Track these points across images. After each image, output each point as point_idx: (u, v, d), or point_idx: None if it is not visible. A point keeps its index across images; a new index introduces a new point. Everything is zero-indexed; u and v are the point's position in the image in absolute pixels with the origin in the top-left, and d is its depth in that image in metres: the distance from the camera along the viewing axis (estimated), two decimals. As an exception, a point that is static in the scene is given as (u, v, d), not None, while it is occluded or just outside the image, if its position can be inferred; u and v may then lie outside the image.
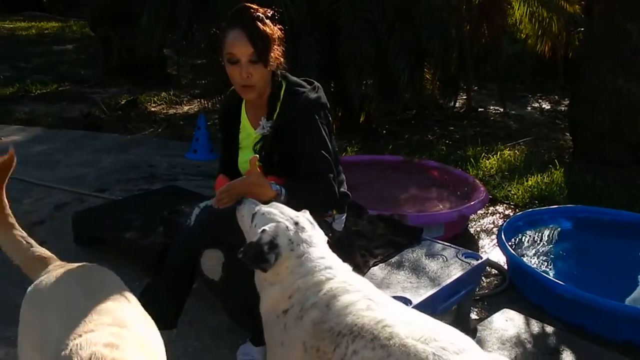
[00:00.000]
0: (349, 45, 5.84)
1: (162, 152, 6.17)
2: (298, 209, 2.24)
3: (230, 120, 2.81)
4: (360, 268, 2.82)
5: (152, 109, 8.26)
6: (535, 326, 3.09)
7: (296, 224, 2.11)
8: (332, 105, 6.76)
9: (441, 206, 4.48)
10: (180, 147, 6.33)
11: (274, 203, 2.26)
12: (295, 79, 2.69)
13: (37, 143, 6.35)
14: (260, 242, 2.05)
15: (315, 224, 2.20)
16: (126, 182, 5.22)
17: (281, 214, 2.15)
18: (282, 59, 2.59)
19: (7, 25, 16.04)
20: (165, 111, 8.22)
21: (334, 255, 2.16)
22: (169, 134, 7.01)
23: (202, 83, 7.60)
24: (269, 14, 2.55)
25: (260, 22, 2.48)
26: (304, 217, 2.18)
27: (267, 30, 2.48)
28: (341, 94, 6.48)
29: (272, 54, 2.51)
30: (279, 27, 2.61)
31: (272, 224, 2.10)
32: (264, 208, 2.19)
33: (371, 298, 1.93)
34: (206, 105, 7.08)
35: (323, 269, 2.05)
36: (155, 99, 8.67)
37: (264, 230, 2.07)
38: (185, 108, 8.44)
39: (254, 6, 2.53)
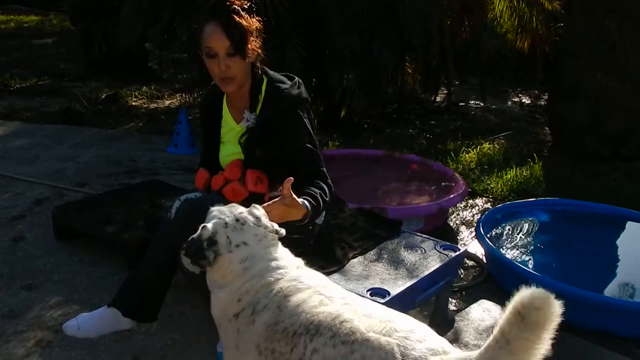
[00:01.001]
0: (333, 38, 5.85)
1: (143, 147, 6.15)
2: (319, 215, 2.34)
3: (211, 115, 2.83)
4: (340, 261, 2.85)
5: (133, 104, 8.22)
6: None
7: (238, 220, 2.08)
8: (313, 99, 6.83)
9: (421, 199, 4.52)
10: (161, 141, 6.32)
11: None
12: (275, 74, 2.71)
13: (16, 137, 6.30)
14: (200, 239, 2.04)
15: (264, 219, 2.13)
16: (107, 176, 5.20)
17: (228, 211, 2.12)
18: (260, 51, 2.61)
19: (-15, 19, 15.85)
20: (146, 105, 8.19)
21: (283, 252, 2.12)
22: (150, 128, 6.99)
23: (184, 77, 7.59)
24: (246, 6, 2.57)
25: (236, 15, 2.51)
26: (252, 215, 2.12)
27: (244, 22, 2.51)
28: (323, 88, 6.49)
29: (249, 46, 2.53)
30: (257, 18, 2.62)
31: (214, 221, 2.08)
32: (218, 207, 2.16)
33: (322, 293, 1.91)
34: (187, 99, 7.07)
35: (270, 270, 2.02)
36: (136, 93, 8.63)
37: (204, 226, 2.06)
38: (167, 102, 8.41)
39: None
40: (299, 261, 2.13)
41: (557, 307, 1.53)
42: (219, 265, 2.06)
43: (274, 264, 2.05)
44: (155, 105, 8.24)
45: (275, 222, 2.18)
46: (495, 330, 1.56)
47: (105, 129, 6.82)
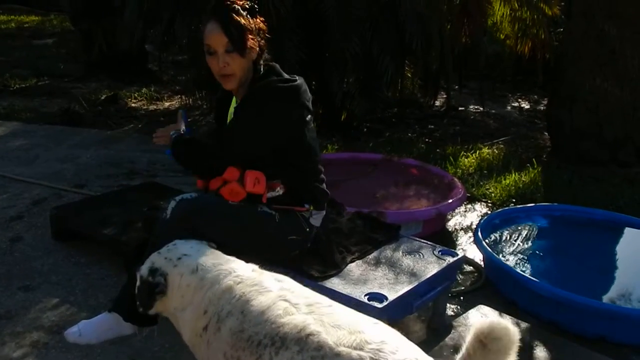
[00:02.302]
0: (333, 41, 5.85)
1: (142, 148, 6.14)
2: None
3: (222, 109, 2.91)
4: (338, 265, 2.84)
5: (133, 105, 8.22)
6: (510, 322, 3.13)
7: (167, 246, 2.19)
8: (313, 102, 6.79)
9: (420, 204, 4.51)
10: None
11: None
12: (280, 70, 2.73)
13: (15, 138, 6.30)
14: (142, 279, 2.13)
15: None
16: (105, 177, 5.20)
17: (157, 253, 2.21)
18: (258, 49, 2.64)
19: (-15, 19, 15.85)
20: (145, 107, 8.18)
21: (229, 257, 2.16)
22: (150, 130, 6.91)
23: (184, 79, 7.59)
24: (247, 6, 2.61)
25: (235, 13, 2.55)
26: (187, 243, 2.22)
27: (242, 20, 2.55)
28: (323, 92, 6.49)
29: (248, 43, 2.57)
30: (261, 19, 2.66)
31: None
32: None
33: (287, 299, 1.88)
34: (187, 101, 7.06)
35: (227, 274, 2.03)
36: (136, 94, 8.62)
37: (139, 269, 2.17)
38: (166, 104, 8.40)
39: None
40: (251, 265, 2.14)
41: (515, 337, 1.59)
42: (171, 285, 2.09)
43: (226, 267, 2.07)
44: (155, 107, 8.23)
45: None
46: (463, 350, 1.62)
47: (104, 130, 6.82)
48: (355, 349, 1.63)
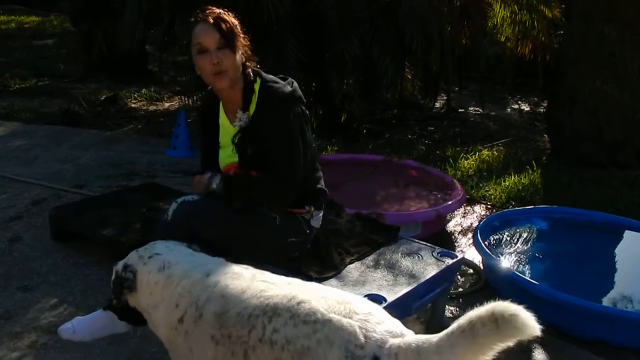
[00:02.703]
0: (333, 43, 5.85)
1: (142, 149, 6.14)
2: (239, 201, 2.54)
3: (209, 121, 2.85)
4: (337, 266, 2.84)
5: (133, 106, 8.22)
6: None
7: (144, 246, 2.26)
8: (313, 103, 6.84)
9: (419, 205, 4.51)
10: (160, 144, 6.31)
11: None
12: (269, 75, 2.73)
13: (15, 138, 6.30)
14: (116, 273, 2.24)
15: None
16: (105, 178, 5.19)
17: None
18: (250, 52, 2.65)
19: (-15, 19, 15.85)
20: (145, 108, 8.18)
21: (198, 253, 2.25)
22: (149, 130, 6.97)
23: (183, 80, 7.60)
24: (231, 14, 2.65)
25: (224, 13, 2.60)
26: (163, 243, 2.28)
27: (231, 18, 2.59)
28: (323, 93, 6.49)
29: (239, 41, 2.59)
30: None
31: None
32: None
33: (262, 279, 1.98)
34: (187, 102, 7.05)
35: (194, 268, 2.11)
36: (135, 95, 8.62)
37: (116, 264, 2.27)
38: (166, 105, 8.40)
39: (208, 7, 2.64)
40: (220, 259, 2.21)
41: (534, 331, 1.57)
42: (140, 283, 2.17)
43: (193, 262, 2.15)
44: (155, 108, 8.23)
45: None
46: (463, 320, 1.61)
47: (104, 131, 6.82)
48: (345, 316, 1.72)
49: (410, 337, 1.71)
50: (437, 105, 8.63)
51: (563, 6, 7.77)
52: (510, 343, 1.59)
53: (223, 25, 2.54)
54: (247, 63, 2.66)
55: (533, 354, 2.91)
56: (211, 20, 2.54)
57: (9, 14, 16.72)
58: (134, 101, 8.42)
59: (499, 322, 1.56)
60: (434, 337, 1.66)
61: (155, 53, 9.22)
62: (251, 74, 2.68)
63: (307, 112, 2.75)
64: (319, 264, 2.81)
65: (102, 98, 8.23)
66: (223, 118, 2.78)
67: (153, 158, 5.84)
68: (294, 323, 1.76)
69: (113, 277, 2.26)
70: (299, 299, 1.81)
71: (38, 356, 2.79)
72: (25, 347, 2.86)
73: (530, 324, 1.55)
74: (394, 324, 1.74)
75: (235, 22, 2.61)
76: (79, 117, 7.27)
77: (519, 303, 3.33)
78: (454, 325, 1.63)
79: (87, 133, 6.67)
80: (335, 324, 1.71)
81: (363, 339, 1.67)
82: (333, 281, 2.74)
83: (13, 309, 3.17)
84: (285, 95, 2.63)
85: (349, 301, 1.79)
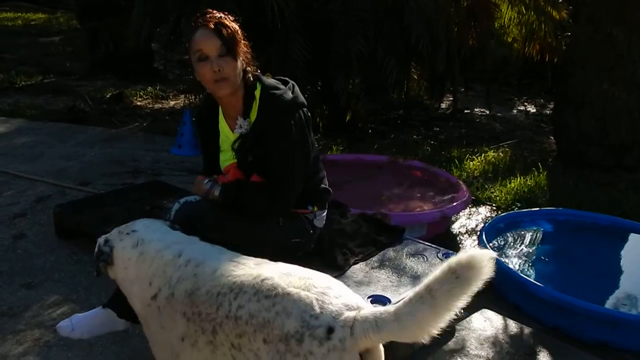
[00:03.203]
0: (339, 42, 5.84)
1: (147, 147, 6.15)
2: (235, 211, 2.54)
3: (208, 125, 2.81)
4: (341, 266, 2.83)
5: (138, 103, 8.23)
6: (513, 327, 3.12)
7: (128, 223, 2.35)
8: (318, 103, 6.82)
9: (424, 206, 4.50)
10: (165, 142, 6.31)
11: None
12: (269, 80, 2.68)
13: (20, 135, 6.31)
14: (98, 246, 2.37)
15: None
16: (109, 176, 5.19)
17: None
18: (249, 55, 2.60)
19: (-7, 16, 15.91)
20: (151, 106, 8.19)
21: (175, 232, 2.31)
22: (154, 128, 6.97)
23: (189, 78, 7.59)
24: (231, 19, 2.58)
25: (225, 19, 2.53)
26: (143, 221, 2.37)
27: (232, 24, 2.53)
28: (328, 92, 6.48)
29: (241, 47, 2.53)
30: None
31: None
32: None
33: (234, 260, 2.06)
34: (192, 100, 7.06)
35: (166, 248, 2.18)
36: (141, 93, 8.63)
37: (100, 237, 2.40)
38: (172, 103, 8.41)
39: (210, 10, 2.58)
40: (193, 237, 2.29)
41: (491, 267, 1.62)
42: (116, 258, 2.30)
43: (166, 241, 2.22)
44: (160, 106, 8.24)
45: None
46: (420, 287, 1.67)
47: (109, 129, 6.82)
48: (303, 290, 1.82)
49: (367, 310, 1.77)
50: (443, 105, 8.61)
51: (570, 8, 7.75)
52: (468, 298, 1.63)
53: (224, 32, 2.47)
54: (248, 68, 2.60)
55: (536, 356, 2.89)
56: (212, 26, 2.47)
57: (15, 10, 16.80)
58: (140, 99, 8.43)
59: (458, 273, 1.61)
60: (391, 307, 1.71)
61: (161, 51, 9.23)
62: (251, 79, 2.64)
63: (309, 114, 2.72)
64: (322, 265, 2.79)
65: (108, 96, 8.25)
66: (222, 124, 2.74)
67: (158, 156, 5.84)
68: (257, 298, 1.86)
69: (95, 249, 2.38)
70: (263, 276, 1.91)
71: (41, 354, 2.79)
72: (29, 344, 2.85)
73: (488, 262, 1.61)
74: (353, 298, 1.82)
75: (236, 27, 2.54)
76: (85, 114, 7.29)
77: (523, 305, 3.34)
78: (411, 294, 1.69)
79: (92, 130, 6.68)
80: (293, 297, 1.80)
81: (319, 309, 1.75)
82: (337, 281, 2.72)
83: (17, 306, 3.16)
84: (287, 103, 2.57)
85: (310, 277, 1.89)
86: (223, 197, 2.61)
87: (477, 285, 1.63)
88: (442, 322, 1.66)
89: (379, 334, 1.71)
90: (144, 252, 2.21)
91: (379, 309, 1.73)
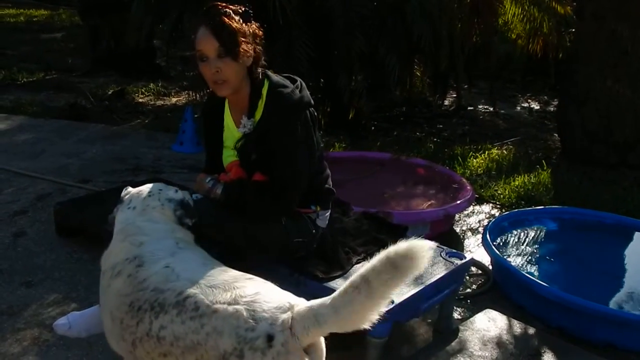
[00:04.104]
0: (340, 39, 5.80)
1: (148, 144, 6.12)
2: (238, 211, 2.50)
3: (213, 119, 2.78)
4: (343, 266, 2.80)
5: (140, 100, 8.19)
6: (518, 327, 3.08)
7: (151, 191, 2.30)
8: (321, 100, 6.79)
9: (427, 204, 4.46)
10: (166, 139, 6.28)
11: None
12: (277, 77, 2.64)
13: (21, 132, 6.28)
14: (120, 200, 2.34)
15: (176, 195, 2.32)
16: (110, 173, 5.17)
17: (156, 186, 2.36)
18: (252, 54, 2.52)
19: (-5, 12, 15.89)
20: (152, 102, 8.16)
21: (164, 225, 2.21)
22: (156, 125, 6.94)
23: (191, 75, 7.54)
24: (241, 11, 2.50)
25: (227, 17, 2.44)
26: (169, 191, 2.32)
27: (234, 24, 2.43)
28: (331, 89, 6.45)
29: (242, 48, 2.45)
30: (256, 24, 2.57)
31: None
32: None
33: (172, 267, 1.97)
34: (194, 97, 7.03)
35: (133, 235, 2.14)
36: (143, 90, 8.60)
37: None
38: (174, 100, 8.38)
39: (222, 4, 2.50)
40: (184, 234, 2.23)
41: (429, 257, 1.65)
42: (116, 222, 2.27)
43: (140, 229, 2.16)
44: (162, 103, 8.21)
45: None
46: (356, 277, 1.67)
47: (110, 126, 6.79)
48: (230, 304, 1.76)
49: (301, 306, 1.74)
50: (447, 102, 8.57)
51: (574, 3, 7.69)
52: (402, 283, 1.67)
53: (223, 33, 2.41)
54: (256, 65, 2.55)
55: (541, 357, 2.85)
56: (212, 27, 2.42)
57: (18, 7, 16.78)
58: (141, 96, 8.40)
59: (397, 263, 1.61)
60: (327, 299, 1.70)
61: (163, 48, 9.19)
62: (259, 76, 2.59)
63: (315, 113, 2.68)
64: (325, 264, 2.77)
65: (110, 92, 8.21)
66: (228, 118, 2.71)
67: (159, 153, 5.81)
68: (181, 320, 1.79)
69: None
70: (186, 293, 1.83)
71: (40, 353, 2.76)
72: (28, 343, 2.83)
73: (426, 252, 1.62)
74: (284, 298, 1.78)
75: (239, 26, 2.45)
76: (86, 111, 7.26)
77: (528, 305, 3.31)
78: (347, 284, 1.68)
79: (94, 127, 6.65)
80: (221, 314, 1.75)
81: (252, 321, 1.71)
82: (339, 281, 2.69)
83: (16, 304, 3.14)
84: (294, 102, 2.53)
85: (236, 286, 1.82)
86: (226, 196, 2.58)
87: (414, 274, 1.65)
88: (379, 310, 1.68)
89: (320, 328, 1.70)
90: (123, 230, 2.19)
91: (315, 302, 1.72)
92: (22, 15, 15.64)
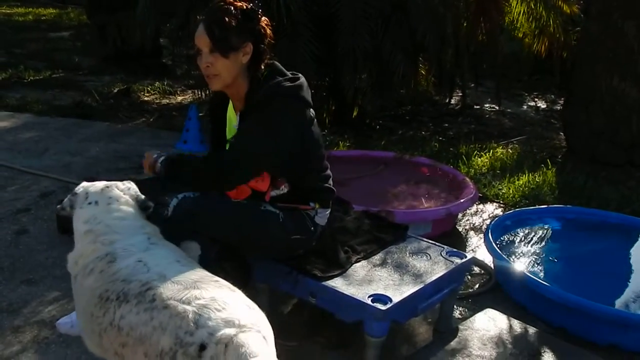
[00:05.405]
0: (345, 37, 5.79)
1: (153, 142, 6.12)
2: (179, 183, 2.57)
3: (217, 114, 2.82)
4: (343, 265, 2.79)
5: (145, 99, 8.20)
6: (518, 327, 3.06)
7: (107, 186, 2.29)
8: (325, 98, 6.77)
9: (430, 203, 4.44)
10: (171, 137, 6.28)
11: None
12: (281, 68, 2.65)
13: (26, 130, 6.30)
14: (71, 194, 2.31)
15: (131, 191, 2.34)
16: (114, 171, 5.17)
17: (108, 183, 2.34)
18: (249, 52, 2.52)
19: (3, 11, 15.97)
20: (158, 101, 8.17)
21: (133, 222, 2.21)
22: (161, 124, 6.95)
23: (197, 74, 7.54)
24: (245, 8, 2.51)
25: (224, 13, 2.46)
26: (125, 185, 2.35)
27: (228, 21, 2.45)
28: (335, 88, 6.43)
29: (232, 45, 2.47)
30: (265, 22, 2.58)
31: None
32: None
33: (144, 261, 1.98)
34: (200, 96, 7.04)
35: (104, 234, 2.13)
36: (148, 88, 8.62)
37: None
38: (179, 98, 8.39)
39: (229, 0, 2.51)
40: (137, 229, 2.19)
41: None
42: (75, 221, 2.24)
43: (110, 228, 2.15)
44: (167, 101, 8.22)
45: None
46: None
47: (115, 124, 6.80)
48: (183, 302, 1.74)
49: (248, 334, 1.66)
50: (452, 101, 8.54)
51: (581, 2, 7.65)
52: None
53: (215, 28, 2.45)
54: (254, 63, 2.56)
55: (542, 358, 2.83)
56: (206, 22, 2.48)
57: (26, 5, 16.86)
58: (147, 94, 8.41)
59: None
60: (266, 333, 1.72)
61: (169, 46, 9.21)
62: (261, 76, 2.58)
63: (313, 113, 2.67)
64: (324, 262, 2.75)
65: (115, 91, 8.23)
66: (231, 113, 2.75)
67: (164, 151, 5.79)
68: (137, 311, 1.80)
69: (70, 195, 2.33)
70: (150, 285, 1.84)
71: (40, 350, 2.77)
72: (28, 340, 2.83)
73: None
74: (235, 312, 1.72)
75: (234, 23, 2.45)
76: (91, 109, 7.27)
77: (530, 305, 3.29)
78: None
79: (99, 126, 6.66)
80: (170, 311, 1.74)
81: (194, 325, 1.68)
82: (338, 280, 2.68)
83: (16, 302, 3.15)
84: (281, 88, 2.52)
85: (198, 287, 1.81)
86: (165, 167, 2.62)
87: None
88: None
89: None
90: (91, 230, 2.16)
91: (256, 336, 1.68)
92: (30, 14, 15.70)
